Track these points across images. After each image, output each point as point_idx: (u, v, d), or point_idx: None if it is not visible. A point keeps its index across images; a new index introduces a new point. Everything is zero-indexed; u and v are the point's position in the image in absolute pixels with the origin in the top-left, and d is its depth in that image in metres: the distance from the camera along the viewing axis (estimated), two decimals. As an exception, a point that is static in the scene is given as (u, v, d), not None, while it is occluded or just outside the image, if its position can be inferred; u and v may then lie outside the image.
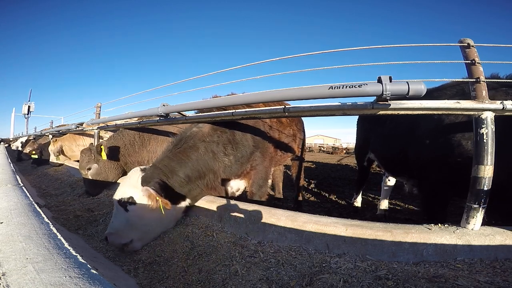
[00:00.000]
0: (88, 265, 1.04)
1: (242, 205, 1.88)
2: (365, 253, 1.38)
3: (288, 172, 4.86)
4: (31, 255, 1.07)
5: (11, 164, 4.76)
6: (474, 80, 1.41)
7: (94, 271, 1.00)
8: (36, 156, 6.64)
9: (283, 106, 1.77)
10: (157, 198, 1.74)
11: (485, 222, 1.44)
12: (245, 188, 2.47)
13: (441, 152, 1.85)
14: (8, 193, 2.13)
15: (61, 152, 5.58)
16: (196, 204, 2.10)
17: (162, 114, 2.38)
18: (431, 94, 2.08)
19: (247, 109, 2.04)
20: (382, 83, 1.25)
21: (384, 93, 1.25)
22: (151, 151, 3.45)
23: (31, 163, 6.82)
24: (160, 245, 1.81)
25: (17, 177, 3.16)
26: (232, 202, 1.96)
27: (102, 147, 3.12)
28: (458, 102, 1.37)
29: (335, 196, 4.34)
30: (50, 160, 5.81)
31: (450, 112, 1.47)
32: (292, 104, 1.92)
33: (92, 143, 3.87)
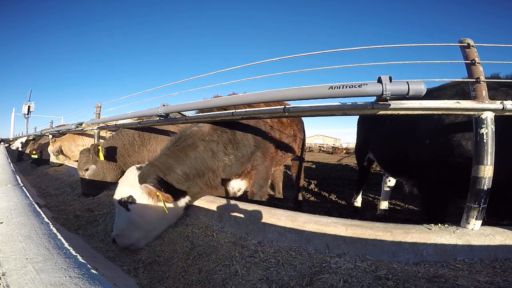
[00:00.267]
0: (88, 265, 1.04)
1: (242, 205, 1.88)
2: (365, 253, 1.38)
3: (288, 172, 4.86)
4: (31, 255, 1.07)
5: (11, 164, 4.77)
6: (474, 80, 1.41)
7: (94, 271, 1.00)
8: (36, 156, 6.64)
9: (283, 106, 1.77)
10: (157, 193, 1.73)
11: (485, 222, 1.44)
12: (246, 188, 2.47)
13: (441, 152, 1.85)
14: (8, 193, 2.13)
15: (60, 152, 5.57)
16: (196, 204, 2.10)
17: (162, 114, 2.38)
18: (431, 94, 2.08)
19: (247, 109, 2.04)
20: (382, 83, 1.25)
21: (384, 93, 1.25)
22: (151, 151, 3.45)
23: (30, 163, 6.82)
24: (160, 245, 1.81)
25: (17, 177, 3.17)
26: (232, 202, 1.96)
27: (100, 147, 3.11)
28: (458, 102, 1.37)
29: (335, 196, 4.34)
30: (50, 160, 5.82)
31: (450, 112, 1.47)
32: (292, 104, 1.92)
33: (93, 144, 3.88)
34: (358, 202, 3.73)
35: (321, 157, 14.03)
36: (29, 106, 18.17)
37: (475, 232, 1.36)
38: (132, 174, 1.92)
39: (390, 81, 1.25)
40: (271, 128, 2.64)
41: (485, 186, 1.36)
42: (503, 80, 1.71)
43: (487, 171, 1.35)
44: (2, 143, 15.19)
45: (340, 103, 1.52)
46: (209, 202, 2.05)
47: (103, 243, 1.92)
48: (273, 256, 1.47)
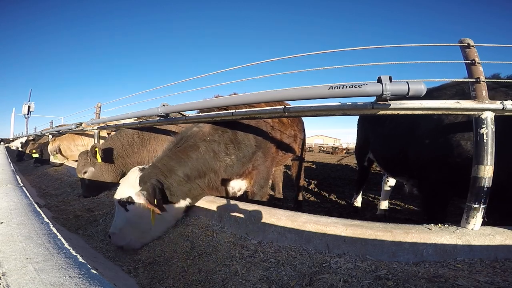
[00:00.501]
0: (88, 265, 1.04)
1: (242, 205, 1.88)
2: (365, 253, 1.38)
3: (288, 172, 4.86)
4: (31, 255, 1.07)
5: (11, 164, 4.77)
6: (474, 80, 1.41)
7: (94, 271, 1.00)
8: (37, 155, 6.66)
9: (283, 106, 1.77)
10: (148, 203, 1.75)
11: (485, 222, 1.44)
12: (246, 188, 2.48)
13: (441, 152, 1.85)
14: (8, 193, 2.13)
15: (58, 151, 5.57)
16: (196, 204, 2.10)
17: (162, 114, 2.38)
18: (431, 94, 2.08)
19: (247, 109, 2.04)
20: (382, 83, 1.25)
21: (384, 93, 1.25)
22: (151, 151, 3.43)
23: (33, 163, 6.83)
24: (160, 245, 1.81)
25: (17, 177, 3.17)
26: (232, 202, 1.96)
27: (97, 149, 3.10)
28: (458, 102, 1.37)
29: (335, 196, 4.34)
30: (50, 160, 5.82)
31: (450, 112, 1.47)
32: (292, 104, 1.92)
33: (92, 146, 3.88)
34: (358, 202, 3.73)
35: (321, 157, 14.03)
36: (29, 106, 18.16)
37: (475, 232, 1.36)
38: (134, 175, 1.92)
39: (390, 81, 1.25)
40: (272, 128, 2.64)
41: (485, 186, 1.36)
42: (503, 80, 1.71)
43: (487, 171, 1.35)
44: (2, 143, 15.19)
45: (340, 103, 1.52)
46: (209, 202, 2.05)
47: (103, 243, 1.92)
48: (273, 256, 1.47)
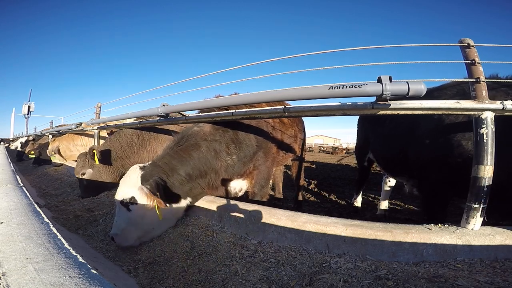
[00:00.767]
0: (88, 265, 1.04)
1: (242, 205, 1.88)
2: (365, 253, 1.38)
3: (288, 172, 4.86)
4: (31, 255, 1.07)
5: (11, 164, 4.77)
6: (474, 80, 1.41)
7: (94, 271, 1.00)
8: (34, 156, 6.65)
9: (283, 106, 1.77)
10: (151, 197, 1.74)
11: (485, 222, 1.44)
12: (247, 188, 2.48)
13: (441, 152, 1.85)
14: (8, 193, 2.13)
15: (57, 152, 5.56)
16: (196, 204, 2.10)
17: (162, 114, 2.38)
18: (431, 94, 2.08)
19: (247, 109, 2.04)
20: (382, 83, 1.25)
21: (384, 93, 1.25)
22: (151, 152, 3.42)
23: (32, 163, 6.83)
24: (160, 245, 1.81)
25: (17, 177, 3.17)
26: (232, 202, 1.96)
27: (95, 151, 3.09)
28: (458, 102, 1.37)
29: (335, 196, 4.34)
30: (51, 159, 5.81)
31: (450, 112, 1.47)
32: (292, 104, 1.92)
33: (90, 147, 3.87)
34: (358, 202, 3.73)
35: (321, 157, 14.03)
36: (29, 106, 18.16)
37: (475, 232, 1.36)
38: (135, 174, 1.91)
39: (390, 81, 1.25)
40: (273, 128, 2.64)
41: (485, 186, 1.36)
42: (503, 80, 1.71)
43: (487, 171, 1.35)
44: (2, 143, 15.19)
45: (340, 103, 1.52)
46: (209, 202, 2.05)
47: (103, 243, 1.92)
48: (273, 256, 1.47)
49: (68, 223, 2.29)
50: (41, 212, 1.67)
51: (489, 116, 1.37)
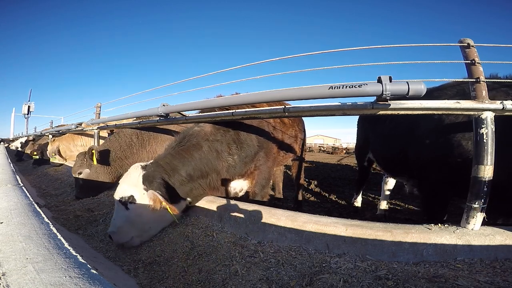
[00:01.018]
0: (88, 265, 1.04)
1: (242, 205, 1.88)
2: (365, 253, 1.38)
3: (288, 172, 4.86)
4: (31, 255, 1.07)
5: (11, 164, 4.77)
6: (474, 80, 1.41)
7: (94, 271, 1.00)
8: (37, 157, 6.65)
9: (283, 106, 1.78)
10: (163, 203, 1.74)
11: (485, 222, 1.44)
12: (247, 189, 2.48)
13: (441, 152, 1.85)
14: (8, 193, 2.13)
15: (57, 152, 5.56)
16: (196, 204, 2.10)
17: (162, 114, 2.38)
18: (431, 94, 2.08)
19: (247, 109, 2.04)
20: (382, 83, 1.25)
21: (384, 93, 1.25)
22: (150, 152, 3.42)
23: (32, 164, 6.83)
24: (160, 245, 1.81)
25: (17, 177, 3.16)
26: (232, 202, 1.96)
27: (93, 151, 3.09)
28: (458, 102, 1.37)
29: (335, 196, 4.34)
30: (51, 160, 5.81)
31: (450, 112, 1.47)
32: (292, 104, 1.92)
33: (90, 147, 3.86)
34: (358, 202, 3.73)
35: (321, 157, 14.03)
36: (29, 106, 18.15)
37: (475, 232, 1.36)
38: (136, 173, 1.91)
39: (390, 81, 1.25)
40: (273, 128, 2.65)
41: (485, 186, 1.36)
42: (503, 80, 1.71)
43: (487, 171, 1.35)
44: (2, 143, 15.19)
45: (340, 103, 1.53)
46: (209, 202, 2.05)
47: (103, 243, 1.92)
48: (273, 256, 1.47)
49: (68, 223, 2.29)
50: (41, 212, 1.67)
51: (489, 116, 1.37)
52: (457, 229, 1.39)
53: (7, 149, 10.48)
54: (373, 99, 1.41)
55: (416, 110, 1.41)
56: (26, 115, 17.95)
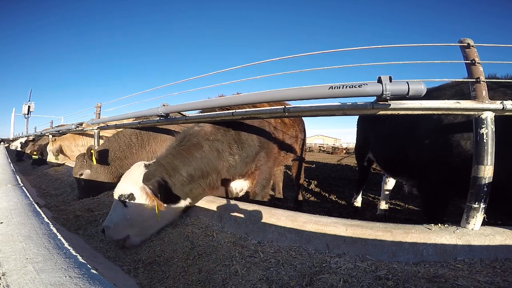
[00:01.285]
0: (88, 265, 1.04)
1: (242, 205, 1.88)
2: (365, 253, 1.38)
3: (288, 172, 4.86)
4: (31, 255, 1.07)
5: (11, 164, 4.77)
6: (474, 80, 1.41)
7: (94, 271, 1.00)
8: (36, 157, 6.65)
9: (283, 106, 1.78)
10: (152, 198, 1.75)
11: (485, 222, 1.44)
12: (248, 189, 2.48)
13: (441, 152, 1.85)
14: (8, 193, 2.13)
15: (60, 151, 5.56)
16: (196, 204, 2.10)
17: (162, 114, 2.38)
18: (430, 94, 2.08)
19: (247, 109, 2.04)
20: (382, 83, 1.25)
21: (384, 93, 1.25)
22: (150, 152, 3.42)
23: (31, 164, 6.83)
24: (160, 245, 1.81)
25: (17, 177, 3.17)
26: (232, 202, 1.96)
27: (92, 151, 3.09)
28: (458, 102, 1.37)
29: (335, 196, 4.34)
30: (47, 160, 5.79)
31: (450, 112, 1.47)
32: (292, 104, 1.92)
33: (88, 147, 3.86)
34: (358, 202, 3.73)
35: (321, 157, 14.03)
36: (29, 106, 18.15)
37: (475, 232, 1.36)
38: (138, 171, 1.91)
39: (390, 81, 1.25)
40: (274, 128, 2.65)
41: (485, 186, 1.36)
42: (503, 80, 1.71)
43: (487, 171, 1.35)
44: (2, 143, 15.19)
45: (340, 103, 1.53)
46: (209, 202, 2.05)
47: (103, 243, 1.92)
48: (273, 256, 1.47)
49: (68, 223, 2.29)
50: (41, 212, 1.67)
51: (489, 116, 1.37)
52: (457, 229, 1.39)
53: (7, 149, 10.48)
54: (373, 99, 1.41)
55: (416, 110, 1.41)
56: (26, 115, 17.95)
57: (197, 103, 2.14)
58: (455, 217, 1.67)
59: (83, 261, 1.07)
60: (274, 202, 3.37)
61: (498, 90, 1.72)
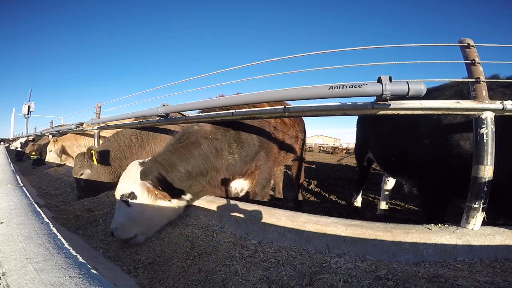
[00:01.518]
0: (88, 265, 1.04)
1: (242, 205, 1.88)
2: (365, 253, 1.38)
3: (288, 172, 4.86)
4: (31, 255, 1.07)
5: (11, 164, 4.77)
6: (474, 80, 1.41)
7: (94, 271, 1.00)
8: (35, 157, 6.65)
9: (283, 106, 1.78)
10: (155, 192, 1.75)
11: (485, 222, 1.44)
12: (248, 189, 2.48)
13: (441, 152, 1.85)
14: (8, 193, 2.13)
15: (63, 151, 5.57)
16: (196, 204, 2.10)
17: (162, 114, 2.38)
18: (430, 94, 2.08)
19: (247, 109, 2.04)
20: (382, 83, 1.25)
21: (384, 93, 1.25)
22: (150, 152, 3.42)
23: (31, 164, 6.83)
24: (160, 245, 1.81)
25: (17, 177, 3.17)
26: (232, 202, 1.96)
27: (93, 151, 3.09)
28: (458, 102, 1.37)
29: (335, 196, 4.34)
30: (46, 160, 5.78)
31: (450, 112, 1.47)
32: (292, 104, 1.92)
33: (88, 147, 3.86)
34: (358, 202, 3.73)
35: (321, 157, 14.03)
36: (29, 106, 18.15)
37: (475, 232, 1.36)
38: (134, 169, 1.92)
39: (390, 81, 1.25)
40: (274, 128, 2.65)
41: (485, 186, 1.36)
42: (503, 81, 1.71)
43: (487, 171, 1.35)
44: (2, 143, 15.20)
45: (340, 103, 1.53)
46: (209, 202, 2.05)
47: (103, 243, 1.92)
48: (273, 256, 1.47)
49: (68, 223, 2.29)
50: (41, 212, 1.67)
51: (489, 116, 1.37)
52: (457, 229, 1.39)
53: (7, 149, 10.49)
54: (373, 99, 1.41)
55: (416, 110, 1.41)
56: (26, 115, 17.95)
57: (197, 103, 2.14)
58: (455, 217, 1.67)
59: (83, 261, 1.07)
60: (274, 202, 3.37)
61: (497, 90, 1.72)
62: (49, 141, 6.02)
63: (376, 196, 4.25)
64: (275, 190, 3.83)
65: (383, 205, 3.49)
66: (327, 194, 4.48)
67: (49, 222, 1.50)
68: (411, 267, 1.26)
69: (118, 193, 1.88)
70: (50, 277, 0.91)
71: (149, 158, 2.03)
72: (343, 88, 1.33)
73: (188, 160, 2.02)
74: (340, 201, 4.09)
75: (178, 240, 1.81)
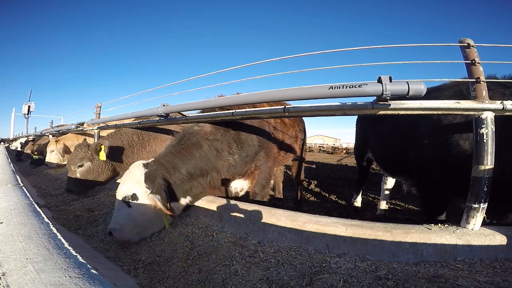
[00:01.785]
0: (88, 265, 1.04)
1: (242, 205, 1.88)
2: (365, 253, 1.38)
3: (288, 172, 4.86)
4: (31, 255, 1.07)
5: (11, 164, 4.77)
6: (474, 80, 1.41)
7: (94, 271, 1.00)
8: (37, 157, 6.65)
9: (283, 106, 1.78)
10: (162, 208, 1.76)
11: (485, 222, 1.44)
12: (248, 189, 2.48)
13: (441, 152, 1.85)
14: (8, 193, 2.13)
15: (66, 151, 5.57)
16: (196, 204, 2.10)
17: (162, 114, 2.38)
18: (430, 94, 2.07)
19: (247, 109, 2.05)
20: (382, 83, 1.25)
21: (384, 93, 1.25)
22: (150, 152, 3.42)
23: (30, 163, 6.83)
24: (160, 245, 1.81)
25: (17, 177, 3.16)
26: (232, 202, 1.96)
27: (103, 146, 3.03)
28: (458, 102, 1.37)
29: (335, 196, 4.34)
30: (46, 160, 5.77)
31: (450, 112, 1.47)
32: (292, 104, 1.92)
33: (96, 142, 3.82)
34: (358, 202, 3.73)
35: (321, 157, 14.03)
36: (29, 106, 18.14)
37: (475, 232, 1.36)
38: (138, 171, 1.91)
39: (390, 81, 1.25)
40: (274, 128, 2.65)
41: (485, 186, 1.36)
42: (503, 81, 1.71)
43: (487, 171, 1.35)
44: (2, 143, 15.20)
45: (340, 103, 1.53)
46: (209, 202, 2.05)
47: (103, 243, 1.92)
48: (273, 256, 1.47)
49: (68, 223, 2.29)
50: (41, 212, 1.67)
51: (489, 116, 1.37)
52: (457, 229, 1.39)
53: (7, 149, 10.48)
54: (373, 99, 1.41)
55: (416, 110, 1.41)
56: (26, 115, 17.94)
57: (197, 103, 2.14)
58: (455, 217, 1.67)
59: (83, 261, 1.07)
60: (274, 202, 3.37)
61: (496, 90, 1.72)
62: (49, 141, 6.02)
63: (376, 196, 4.25)
64: (275, 190, 3.83)
65: (383, 205, 3.49)
66: (327, 194, 4.48)
67: (49, 222, 1.50)
68: (411, 267, 1.26)
69: (120, 193, 1.88)
70: (50, 277, 0.91)
71: (152, 160, 2.04)
72: (343, 88, 1.33)
73: (190, 161, 2.02)
74: (340, 201, 4.08)
75: (178, 240, 1.81)
